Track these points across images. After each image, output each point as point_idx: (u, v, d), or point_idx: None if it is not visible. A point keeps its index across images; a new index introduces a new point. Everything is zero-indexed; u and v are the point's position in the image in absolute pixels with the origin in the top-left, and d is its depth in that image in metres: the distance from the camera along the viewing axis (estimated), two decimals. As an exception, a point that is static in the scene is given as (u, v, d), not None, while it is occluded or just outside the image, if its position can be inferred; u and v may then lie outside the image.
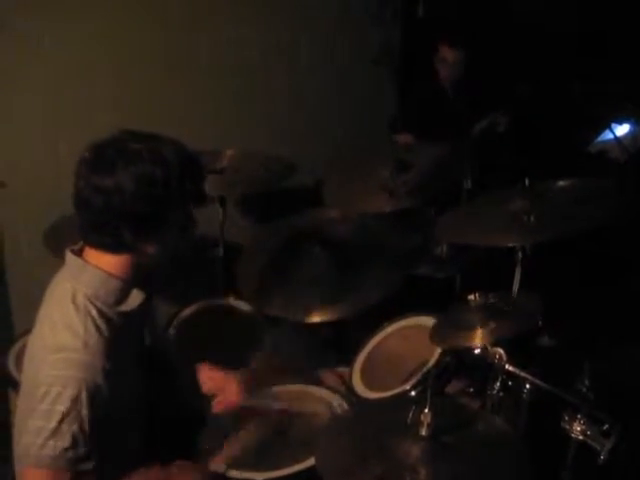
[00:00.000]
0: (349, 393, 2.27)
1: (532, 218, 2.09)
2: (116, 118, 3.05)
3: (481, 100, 3.72)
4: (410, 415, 1.67)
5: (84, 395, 1.50)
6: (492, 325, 1.88)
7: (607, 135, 3.86)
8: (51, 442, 1.48)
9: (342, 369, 2.46)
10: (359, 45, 3.89)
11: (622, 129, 3.88)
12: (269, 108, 3.58)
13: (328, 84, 3.77)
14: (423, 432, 1.64)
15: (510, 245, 2.15)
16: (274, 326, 2.54)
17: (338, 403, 2.19)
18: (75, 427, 1.49)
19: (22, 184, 3.01)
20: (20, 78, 2.90)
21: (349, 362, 2.38)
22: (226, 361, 2.40)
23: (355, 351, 2.40)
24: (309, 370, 2.50)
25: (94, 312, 1.60)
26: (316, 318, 2.37)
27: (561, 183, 2.31)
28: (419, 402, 1.67)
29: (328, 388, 2.31)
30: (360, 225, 2.67)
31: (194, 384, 2.07)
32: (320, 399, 2.22)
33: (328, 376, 2.46)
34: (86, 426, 1.50)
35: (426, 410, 1.64)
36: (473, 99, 3.75)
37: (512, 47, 3.93)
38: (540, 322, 2.47)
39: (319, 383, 2.39)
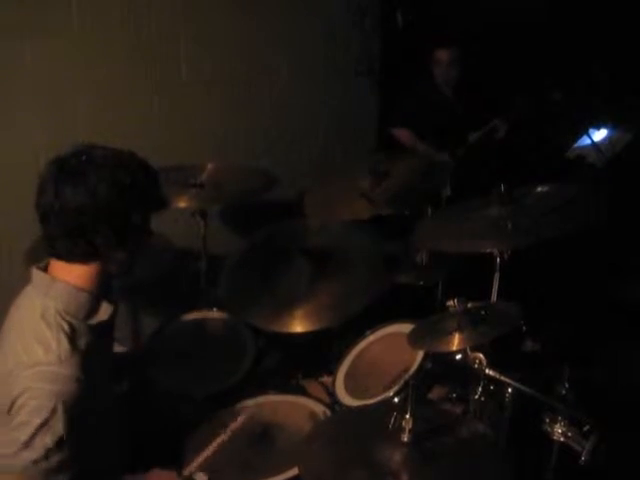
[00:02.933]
0: (333, 402, 2.28)
1: (509, 224, 2.11)
2: (97, 133, 3.06)
3: (481, 107, 3.78)
4: (392, 421, 1.69)
5: (60, 407, 1.52)
6: (470, 330, 1.90)
7: (585, 141, 3.91)
8: (24, 453, 1.51)
9: (326, 378, 2.47)
10: (340, 57, 3.92)
11: (599, 134, 3.93)
12: (250, 120, 3.60)
13: (309, 96, 3.79)
14: (405, 438, 1.66)
15: (488, 251, 2.17)
16: (258, 337, 2.54)
17: (322, 412, 2.21)
18: (48, 439, 1.52)
19: (2, 203, 3.01)
20: (1, 95, 2.90)
21: (333, 371, 2.39)
22: (210, 374, 2.43)
23: (338, 360, 2.41)
24: (293, 380, 2.52)
25: (66, 327, 1.61)
26: (299, 328, 2.40)
27: (538, 189, 2.33)
28: (400, 408, 1.69)
29: (312, 397, 2.33)
30: (342, 235, 2.69)
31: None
32: (305, 408, 2.24)
33: (312, 385, 2.47)
34: (60, 438, 1.53)
35: (407, 416, 1.66)
36: (473, 105, 3.81)
37: (506, 55, 3.99)
38: (524, 327, 2.52)
39: (303, 393, 2.41)
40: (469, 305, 1.95)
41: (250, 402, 2.27)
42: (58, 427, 1.52)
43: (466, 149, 3.72)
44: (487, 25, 4.07)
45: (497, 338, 2.02)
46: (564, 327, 2.91)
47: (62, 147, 1.68)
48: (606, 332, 2.95)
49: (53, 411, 1.51)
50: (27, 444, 1.51)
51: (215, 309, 2.66)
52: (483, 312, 1.94)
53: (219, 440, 2.04)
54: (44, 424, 1.51)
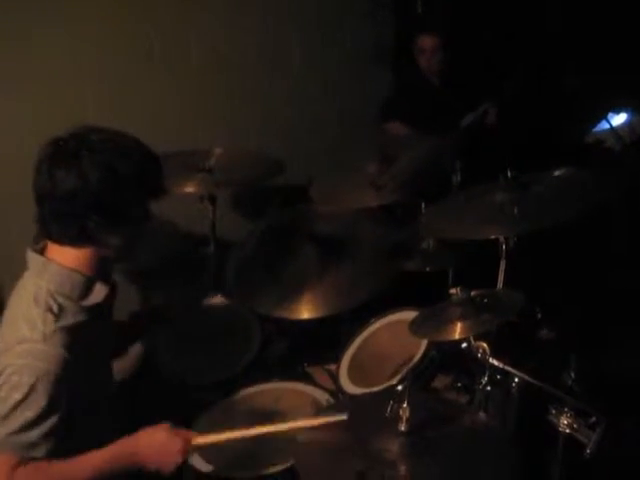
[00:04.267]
0: (337, 390, 2.26)
1: (515, 210, 2.07)
2: (105, 119, 3.04)
3: (469, 93, 3.68)
4: (388, 410, 1.66)
5: (40, 384, 1.53)
6: (473, 319, 1.87)
7: (603, 125, 3.84)
8: (0, 428, 1.53)
9: (332, 365, 2.45)
10: (353, 46, 3.87)
11: (619, 119, 3.85)
12: (260, 106, 3.57)
13: (319, 82, 3.76)
14: (402, 427, 1.64)
15: (493, 237, 2.13)
16: (264, 324, 2.53)
17: (326, 400, 2.19)
18: (28, 414, 1.53)
19: (12, 187, 3.01)
20: (7, 82, 2.89)
21: (337, 358, 2.37)
22: (216, 359, 2.42)
23: (343, 348, 2.39)
24: (299, 367, 2.50)
25: (55, 307, 1.62)
26: (306, 315, 2.38)
27: (548, 174, 2.28)
28: (397, 397, 1.66)
29: (316, 385, 2.31)
30: (349, 221, 2.67)
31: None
32: (307, 396, 2.22)
33: (318, 373, 2.46)
34: (38, 415, 1.53)
35: (404, 405, 1.63)
36: (460, 92, 3.70)
37: (503, 40, 3.90)
38: (539, 315, 2.48)
39: (309, 380, 2.39)
40: (472, 293, 1.91)
41: (252, 389, 2.26)
42: (37, 404, 1.53)
43: (457, 134, 3.59)
44: (474, 8, 3.95)
45: (509, 326, 1.99)
46: (572, 316, 2.85)
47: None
48: (613, 321, 2.89)
49: (32, 387, 1.52)
50: (4, 418, 1.52)
51: (222, 295, 2.65)
52: (486, 300, 1.90)
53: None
54: (23, 400, 1.52)
